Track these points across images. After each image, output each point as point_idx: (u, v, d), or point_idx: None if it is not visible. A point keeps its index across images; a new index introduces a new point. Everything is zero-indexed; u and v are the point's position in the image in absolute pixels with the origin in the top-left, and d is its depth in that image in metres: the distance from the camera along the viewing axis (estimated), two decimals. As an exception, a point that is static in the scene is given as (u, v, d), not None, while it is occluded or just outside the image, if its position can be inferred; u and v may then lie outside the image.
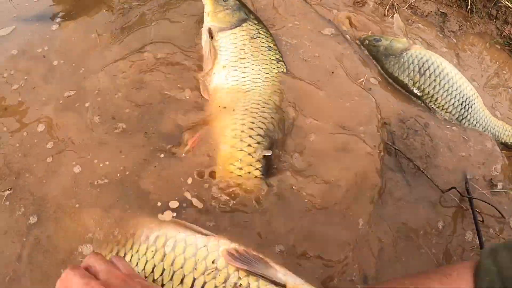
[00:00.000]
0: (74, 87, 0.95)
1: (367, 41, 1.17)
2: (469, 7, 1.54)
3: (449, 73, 1.10)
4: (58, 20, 1.15)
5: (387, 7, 1.36)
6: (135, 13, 1.11)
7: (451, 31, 1.44)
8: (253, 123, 0.84)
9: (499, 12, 1.57)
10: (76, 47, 1.04)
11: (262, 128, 0.84)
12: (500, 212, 0.91)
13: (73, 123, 0.91)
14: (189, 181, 0.81)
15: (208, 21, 1.02)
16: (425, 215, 0.88)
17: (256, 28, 1.00)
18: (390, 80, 1.11)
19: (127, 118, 0.89)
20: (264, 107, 0.87)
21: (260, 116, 0.85)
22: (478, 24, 1.53)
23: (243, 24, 1.01)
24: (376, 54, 1.13)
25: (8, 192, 0.83)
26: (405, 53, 1.10)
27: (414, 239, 0.86)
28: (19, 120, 0.94)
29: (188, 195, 0.79)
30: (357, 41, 1.16)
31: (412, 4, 1.44)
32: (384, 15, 1.34)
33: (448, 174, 0.96)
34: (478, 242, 0.87)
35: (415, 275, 0.68)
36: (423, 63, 1.09)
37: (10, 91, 0.98)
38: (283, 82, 0.94)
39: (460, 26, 1.47)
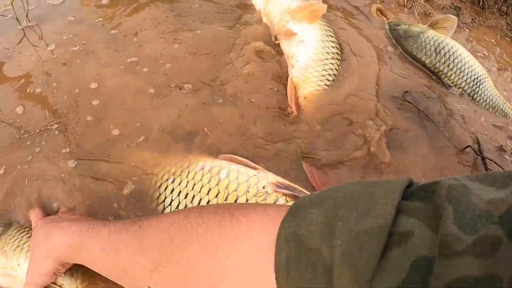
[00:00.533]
0: (135, 54, 1.08)
1: (388, 26, 1.29)
2: (481, 3, 1.66)
3: (462, 54, 1.22)
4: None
5: (406, -1, 1.49)
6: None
7: (464, 23, 1.56)
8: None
9: (509, 9, 1.69)
10: (129, 19, 1.18)
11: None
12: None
13: (130, 85, 1.04)
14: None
15: None
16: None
17: None
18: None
19: (190, 80, 1.03)
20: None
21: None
22: (489, 19, 1.65)
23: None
24: (397, 37, 1.26)
25: (56, 125, 0.95)
26: (422, 35, 1.22)
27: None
28: (74, 76, 1.05)
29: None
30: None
31: (428, -2, 1.57)
32: (404, 5, 1.47)
33: (462, 138, 1.06)
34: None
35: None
36: (439, 44, 1.21)
37: (70, 51, 1.11)
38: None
39: (472, 20, 1.59)
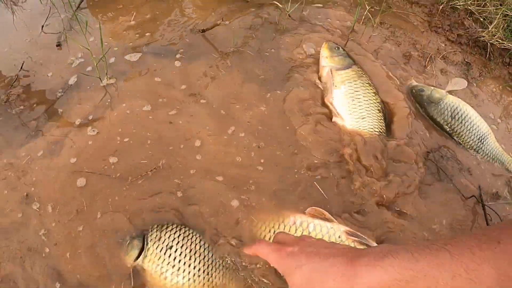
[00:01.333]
0: (227, 120, 1.45)
1: (413, 90, 1.65)
2: (488, 55, 2.01)
3: (471, 117, 1.59)
4: (178, 56, 1.65)
5: (427, 59, 1.84)
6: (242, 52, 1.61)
7: (473, 77, 1.91)
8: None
9: (512, 60, 2.04)
10: (210, 84, 1.54)
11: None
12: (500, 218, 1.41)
13: (230, 149, 1.41)
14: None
15: (327, 63, 1.54)
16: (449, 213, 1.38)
17: (360, 70, 1.55)
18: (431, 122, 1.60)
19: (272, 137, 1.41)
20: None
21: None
22: (494, 70, 2.00)
23: (352, 67, 1.55)
24: (421, 101, 1.62)
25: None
26: (441, 101, 1.59)
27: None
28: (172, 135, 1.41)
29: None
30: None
31: (445, 55, 1.92)
32: (425, 66, 1.82)
33: (468, 188, 1.45)
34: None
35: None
36: (454, 109, 1.58)
37: (166, 114, 1.46)
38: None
39: (480, 73, 1.95)
